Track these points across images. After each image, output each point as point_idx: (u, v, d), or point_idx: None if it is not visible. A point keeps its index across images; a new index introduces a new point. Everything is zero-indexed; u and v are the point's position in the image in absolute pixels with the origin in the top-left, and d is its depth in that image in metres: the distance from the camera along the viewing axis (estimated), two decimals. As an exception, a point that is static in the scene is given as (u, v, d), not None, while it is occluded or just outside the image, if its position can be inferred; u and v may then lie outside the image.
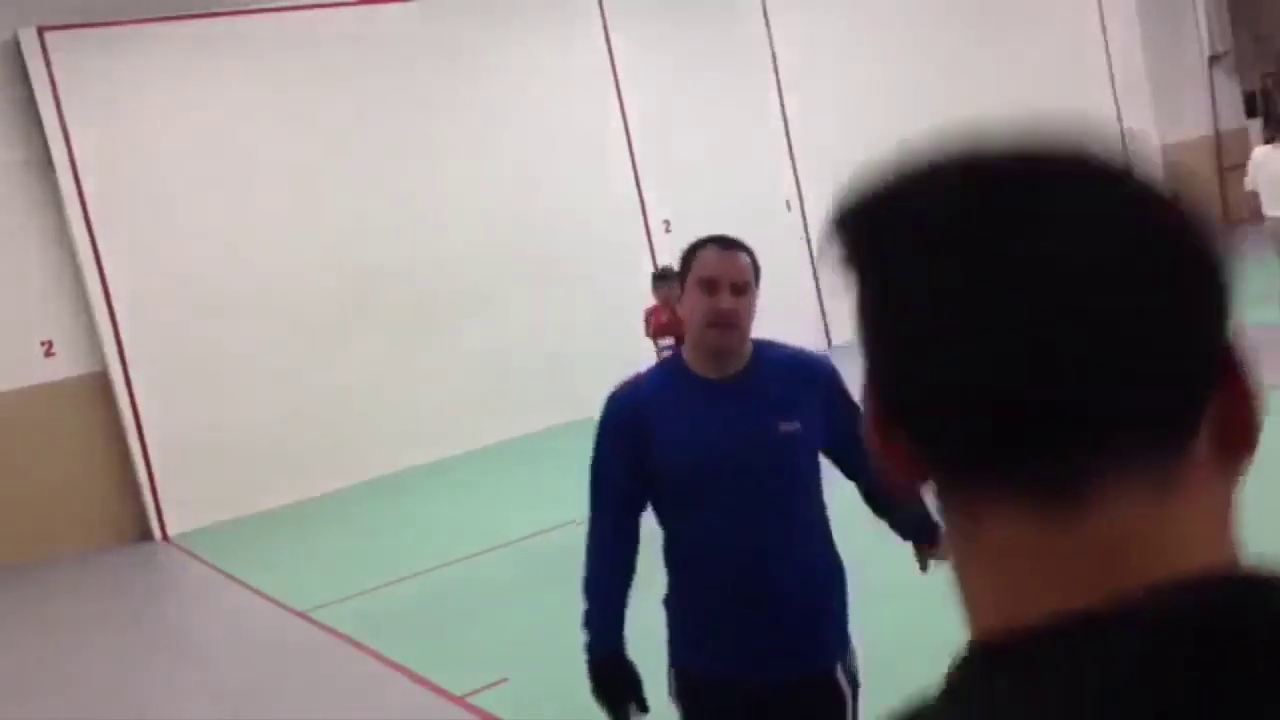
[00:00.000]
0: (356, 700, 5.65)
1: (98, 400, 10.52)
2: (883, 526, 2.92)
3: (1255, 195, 10.20)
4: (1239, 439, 0.58)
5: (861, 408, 0.64)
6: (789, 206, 14.01)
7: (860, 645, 2.81)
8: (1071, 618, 0.53)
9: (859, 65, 14.11)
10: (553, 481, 9.12)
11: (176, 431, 10.53)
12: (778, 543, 2.59)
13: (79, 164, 10.37)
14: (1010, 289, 0.54)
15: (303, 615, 7.10)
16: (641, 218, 13.07)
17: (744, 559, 2.57)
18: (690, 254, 2.66)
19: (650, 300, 8.41)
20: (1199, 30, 16.63)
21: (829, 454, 2.73)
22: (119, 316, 10.47)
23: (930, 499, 0.61)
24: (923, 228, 0.57)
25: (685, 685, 2.70)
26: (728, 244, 2.64)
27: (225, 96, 10.98)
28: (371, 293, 11.42)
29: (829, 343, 13.73)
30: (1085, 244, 0.54)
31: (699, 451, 2.57)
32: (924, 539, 2.85)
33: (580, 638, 2.70)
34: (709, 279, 2.57)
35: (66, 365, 10.47)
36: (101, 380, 10.55)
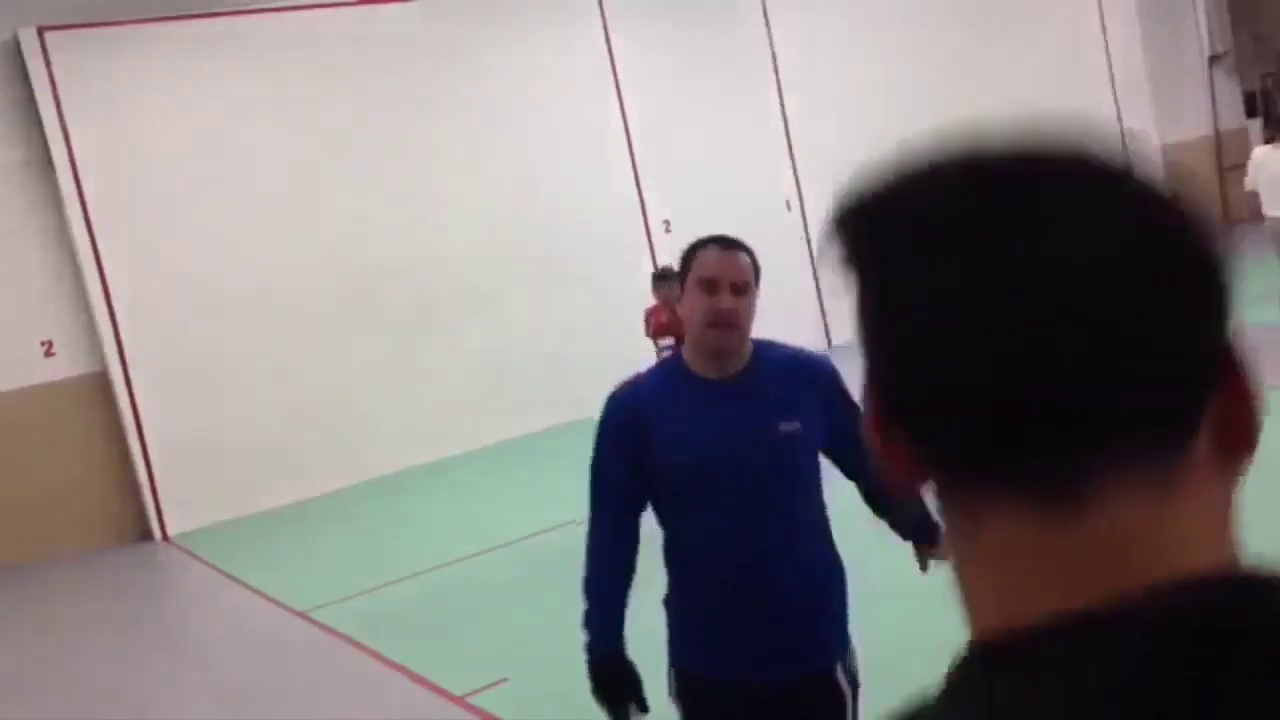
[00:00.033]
0: (356, 700, 5.65)
1: (98, 400, 10.52)
2: (882, 526, 2.92)
3: (1255, 195, 10.20)
4: (1239, 439, 0.58)
5: (861, 408, 0.64)
6: (789, 206, 14.01)
7: (860, 645, 2.81)
8: (1071, 618, 0.53)
9: (859, 65, 14.11)
10: (553, 481, 9.12)
11: (176, 431, 10.53)
12: (777, 543, 2.59)
13: (79, 164, 10.37)
14: (1010, 289, 0.54)
15: (303, 615, 7.10)
16: (641, 218, 13.07)
17: (744, 559, 2.57)
18: (690, 254, 2.66)
19: (650, 300, 8.40)
20: (1199, 30, 16.63)
21: (829, 454, 2.73)
22: (119, 316, 10.47)
23: (930, 499, 0.61)
24: (923, 228, 0.57)
25: (685, 685, 2.71)
26: (728, 244, 2.64)
27: (225, 96, 10.98)
28: (371, 293, 11.43)
29: (829, 342, 13.73)
30: (1085, 244, 0.54)
31: (699, 451, 2.57)
32: (924, 539, 2.85)
33: (580, 638, 2.71)
34: (709, 279, 2.57)
35: (66, 365, 10.47)
36: (101, 380, 10.55)
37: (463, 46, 12.04)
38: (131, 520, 10.53)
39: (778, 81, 14.07)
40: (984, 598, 0.58)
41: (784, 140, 14.06)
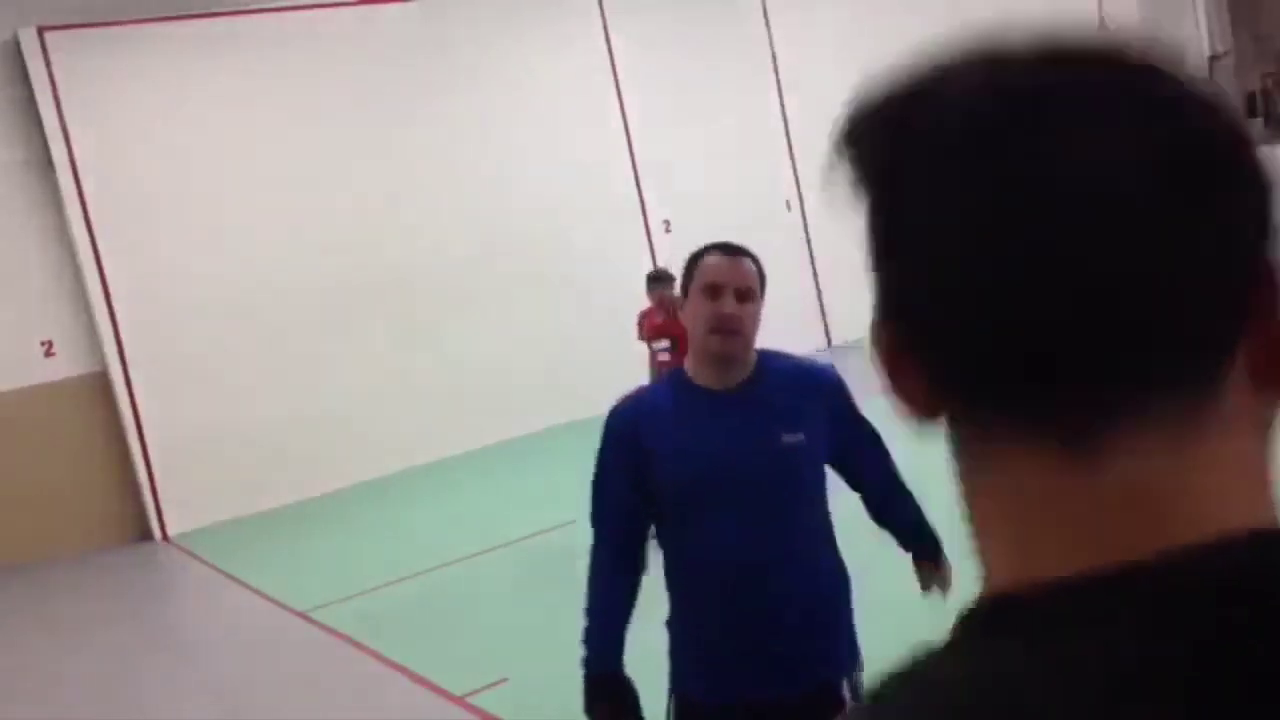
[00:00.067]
0: (356, 700, 5.64)
1: (98, 400, 10.52)
2: (886, 536, 2.88)
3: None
4: (1275, 377, 0.52)
5: (872, 342, 0.58)
6: (789, 206, 14.01)
7: (866, 658, 2.77)
8: (1087, 578, 0.49)
9: (859, 65, 14.09)
10: (553, 481, 9.13)
11: (176, 431, 10.54)
12: (780, 553, 2.53)
13: (79, 164, 10.37)
14: (1031, 206, 0.49)
15: (303, 615, 7.10)
16: (641, 218, 13.07)
17: (746, 570, 2.52)
18: (694, 260, 2.60)
19: (645, 303, 8.27)
20: (1199, 30, 16.64)
21: (834, 465, 2.68)
22: (119, 316, 10.47)
23: (944, 445, 0.57)
24: (939, 139, 0.52)
25: (684, 712, 2.66)
26: (733, 250, 2.58)
27: (225, 96, 10.98)
28: (372, 292, 11.42)
29: (829, 342, 13.73)
30: (1115, 154, 0.49)
31: (700, 463, 2.53)
32: (926, 555, 2.78)
33: (579, 649, 2.67)
34: (713, 284, 2.51)
35: (66, 365, 10.47)
36: (101, 380, 10.55)
37: (462, 46, 12.04)
38: (131, 520, 10.53)
39: (778, 81, 14.07)
40: (996, 548, 0.54)
41: (784, 140, 14.06)
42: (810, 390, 2.61)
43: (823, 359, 2.93)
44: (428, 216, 11.73)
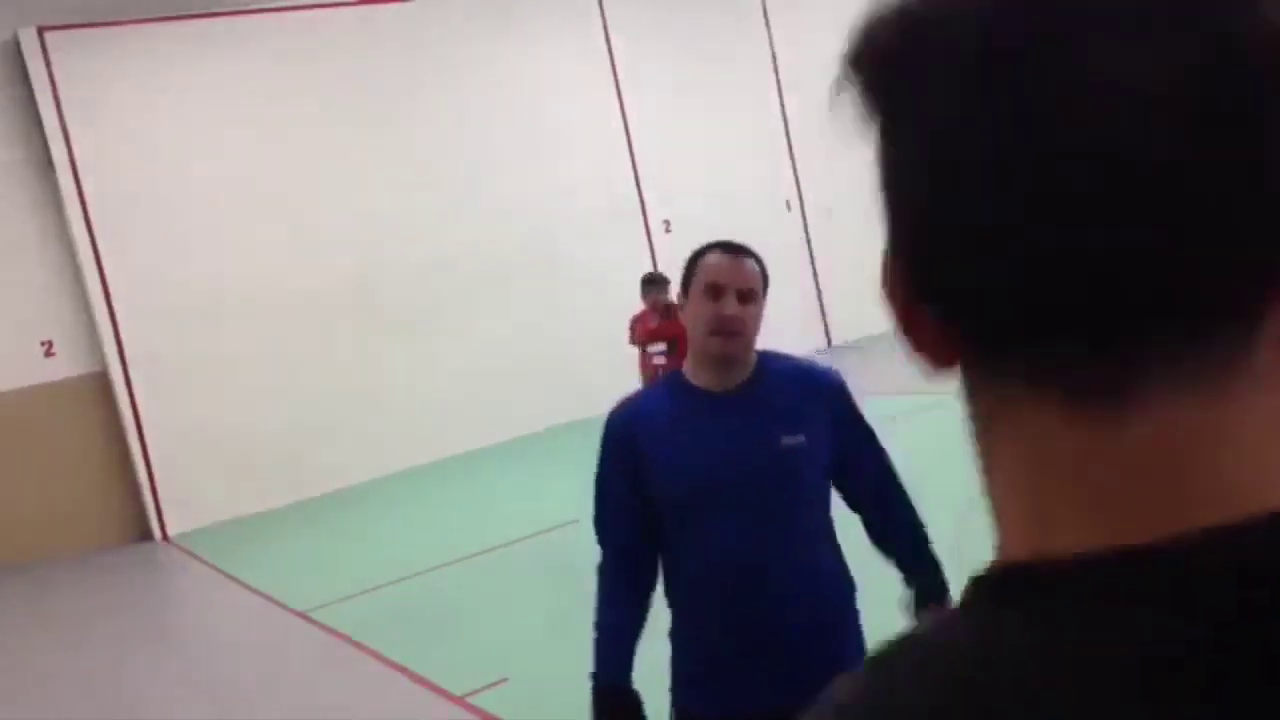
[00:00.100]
0: (356, 700, 5.64)
1: (98, 400, 10.53)
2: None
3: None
4: None
5: (881, 280, 0.54)
6: (789, 206, 14.02)
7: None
8: (1106, 554, 0.45)
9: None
10: (553, 481, 9.13)
11: (176, 431, 10.54)
12: (782, 556, 2.50)
13: (79, 164, 10.37)
14: (1053, 131, 0.44)
15: (303, 615, 7.10)
16: (641, 218, 13.08)
17: (746, 574, 2.48)
18: (695, 259, 2.53)
19: (639, 306, 8.19)
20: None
21: (834, 474, 2.62)
22: (119, 316, 10.47)
23: (959, 394, 0.53)
24: (954, 60, 0.47)
25: None
26: (735, 249, 2.51)
27: (225, 96, 10.99)
28: (372, 293, 11.43)
29: (829, 342, 13.74)
30: (1150, 69, 0.44)
31: (698, 465, 2.49)
32: (931, 597, 2.61)
33: (582, 651, 2.65)
34: (714, 285, 2.45)
35: (66, 365, 10.47)
36: (101, 380, 10.55)
37: (462, 47, 12.05)
38: (131, 520, 10.53)
39: (778, 81, 14.07)
40: (1012, 512, 0.50)
41: (784, 140, 14.06)
42: (812, 392, 2.57)
43: (823, 359, 2.90)
44: (429, 216, 11.74)
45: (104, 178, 10.43)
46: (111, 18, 10.44)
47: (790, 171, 14.04)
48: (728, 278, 2.46)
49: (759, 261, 2.54)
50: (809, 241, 13.91)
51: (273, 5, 11.25)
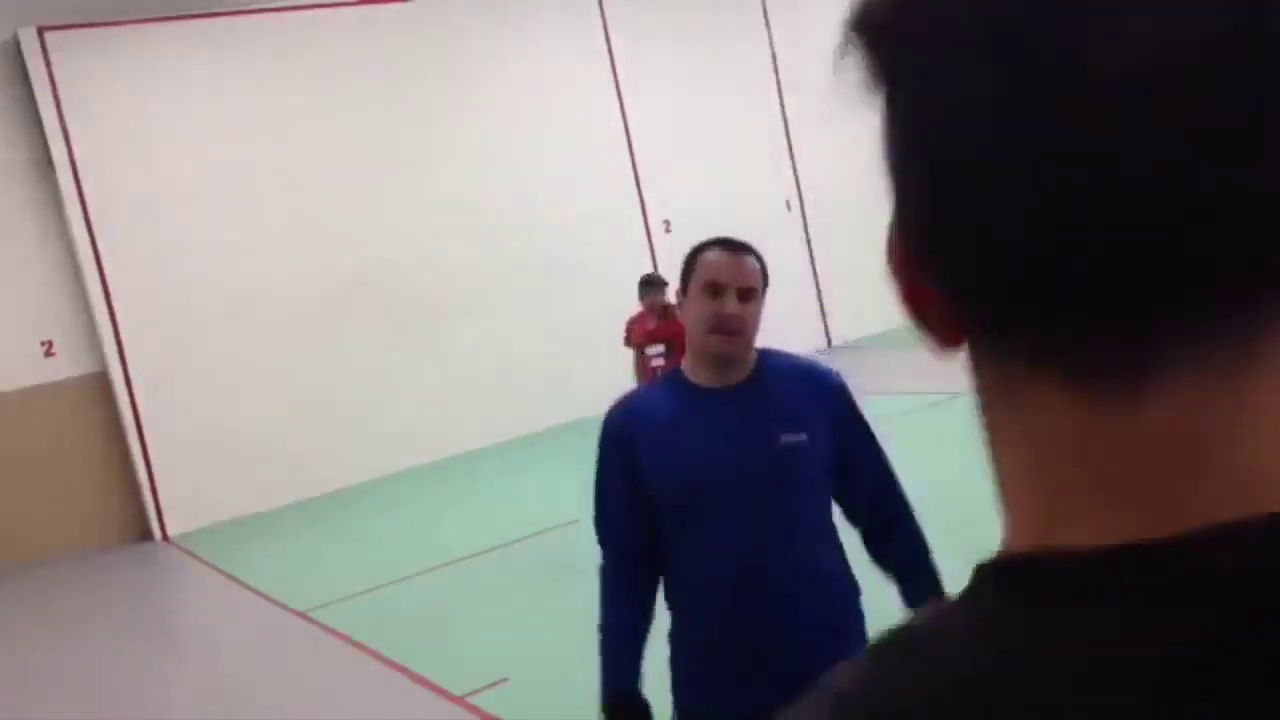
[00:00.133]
0: (356, 700, 5.65)
1: (98, 400, 10.53)
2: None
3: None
4: None
5: (886, 255, 0.52)
6: (789, 206, 14.02)
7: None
8: (1115, 551, 0.43)
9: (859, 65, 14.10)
10: (552, 481, 9.13)
11: (176, 431, 10.54)
12: (782, 554, 2.49)
13: (79, 164, 10.37)
14: (1065, 94, 0.42)
15: (303, 615, 7.10)
16: (641, 218, 13.08)
17: (747, 572, 2.47)
18: (694, 256, 2.51)
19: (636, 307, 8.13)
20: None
21: (833, 478, 2.55)
22: (119, 316, 10.47)
23: (968, 380, 0.51)
24: (959, 26, 0.45)
25: None
26: (735, 246, 2.49)
27: (225, 96, 10.99)
28: (371, 293, 11.43)
29: (829, 342, 13.74)
30: (1165, 37, 0.41)
31: (697, 463, 2.47)
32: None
33: (582, 651, 2.63)
34: (714, 283, 2.43)
35: (66, 365, 10.47)
36: (101, 380, 10.55)
37: (462, 46, 12.05)
38: (131, 520, 10.53)
39: (778, 81, 14.07)
40: (1020, 501, 0.48)
41: (784, 140, 14.06)
42: (812, 391, 2.54)
43: (823, 359, 2.89)
44: (425, 217, 11.74)
45: (104, 178, 10.43)
46: (111, 18, 10.45)
47: (790, 171, 14.04)
48: (728, 276, 2.44)
49: (759, 258, 2.51)
50: (809, 241, 13.91)
51: (273, 5, 11.25)
